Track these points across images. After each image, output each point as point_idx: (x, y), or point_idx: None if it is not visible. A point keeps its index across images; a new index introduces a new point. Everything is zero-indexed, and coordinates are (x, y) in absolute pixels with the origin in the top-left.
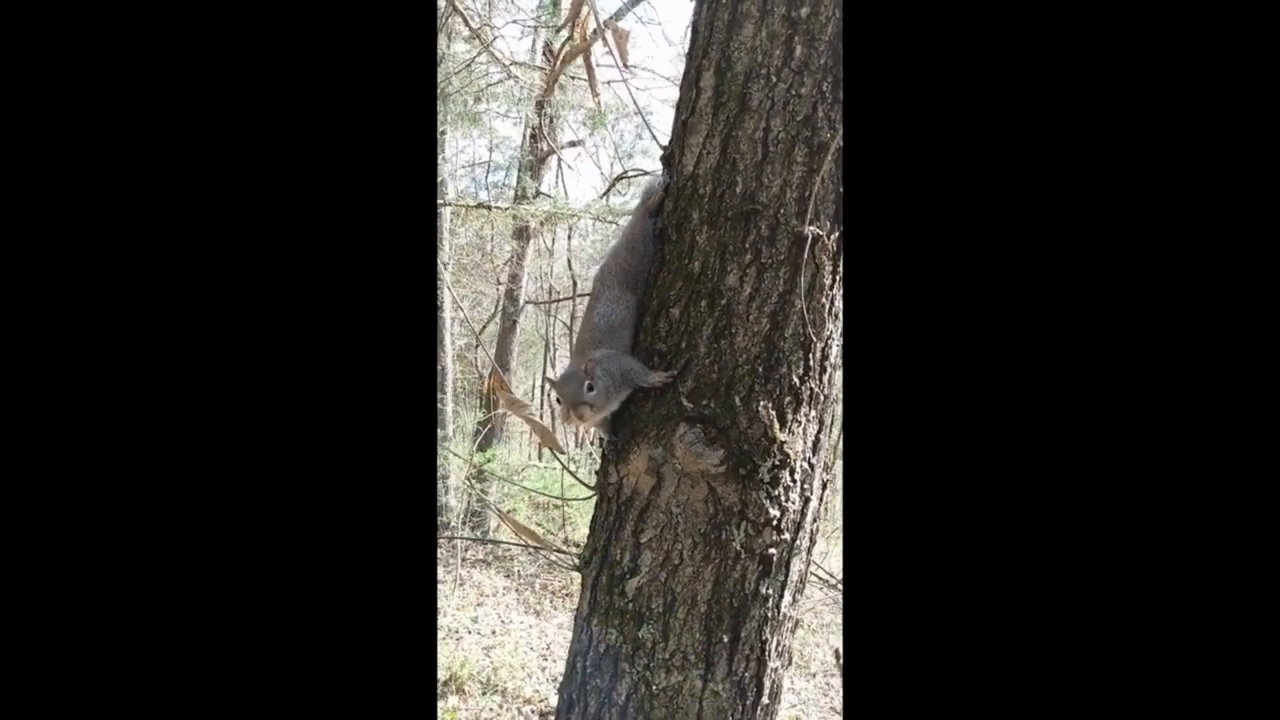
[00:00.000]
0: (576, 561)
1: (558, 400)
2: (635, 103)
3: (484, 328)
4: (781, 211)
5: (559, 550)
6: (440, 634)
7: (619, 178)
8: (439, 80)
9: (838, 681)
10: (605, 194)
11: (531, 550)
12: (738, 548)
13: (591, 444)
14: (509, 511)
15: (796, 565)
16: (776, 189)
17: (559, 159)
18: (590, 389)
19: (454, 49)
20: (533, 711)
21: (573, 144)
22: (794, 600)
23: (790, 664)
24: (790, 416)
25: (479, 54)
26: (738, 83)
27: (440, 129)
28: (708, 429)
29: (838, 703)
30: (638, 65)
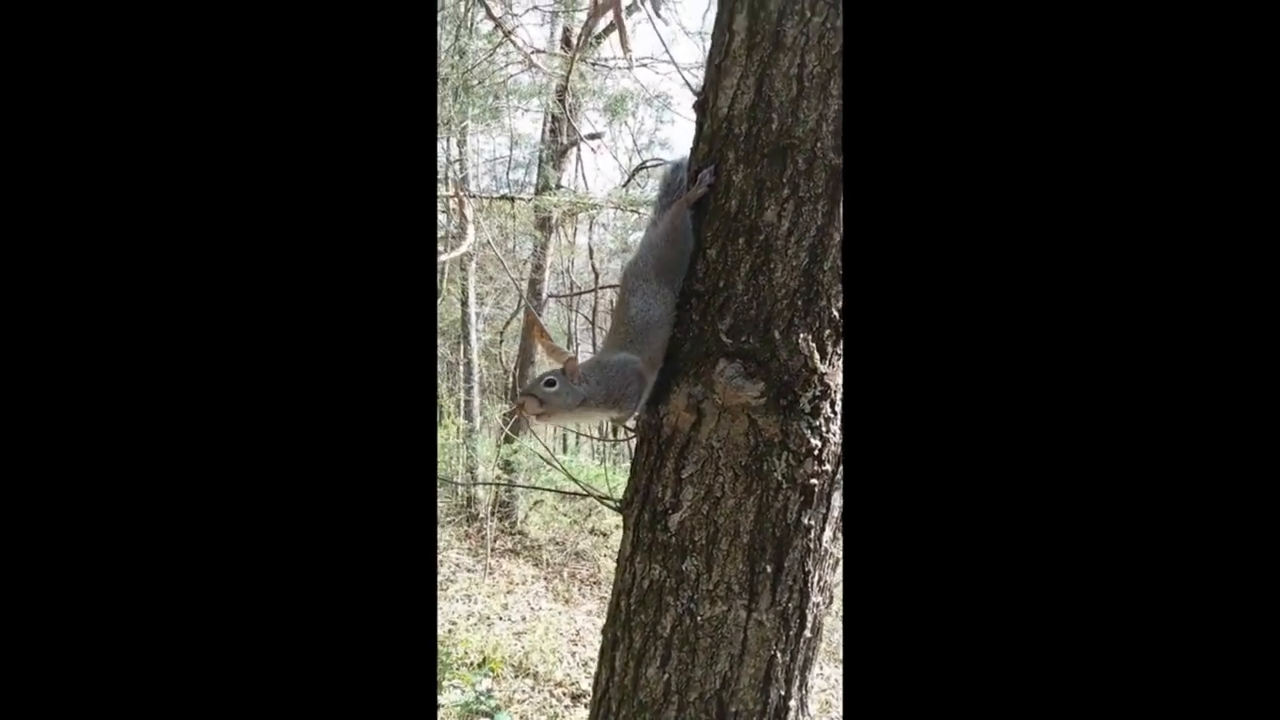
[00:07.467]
0: (617, 504)
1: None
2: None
3: (508, 323)
4: (818, 145)
5: (605, 497)
6: (471, 620)
7: (639, 168)
8: (461, 75)
9: None
10: (626, 183)
11: (572, 498)
12: (779, 478)
13: (629, 433)
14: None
15: (838, 500)
16: (813, 123)
17: (579, 148)
18: (551, 384)
19: (474, 45)
20: (564, 694)
21: (593, 136)
22: (835, 536)
23: (831, 603)
24: (830, 349)
25: (500, 43)
26: (771, 21)
27: (462, 124)
28: (747, 364)
29: None
30: (653, 57)
